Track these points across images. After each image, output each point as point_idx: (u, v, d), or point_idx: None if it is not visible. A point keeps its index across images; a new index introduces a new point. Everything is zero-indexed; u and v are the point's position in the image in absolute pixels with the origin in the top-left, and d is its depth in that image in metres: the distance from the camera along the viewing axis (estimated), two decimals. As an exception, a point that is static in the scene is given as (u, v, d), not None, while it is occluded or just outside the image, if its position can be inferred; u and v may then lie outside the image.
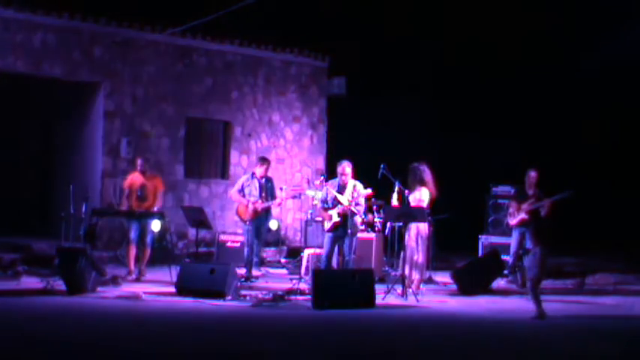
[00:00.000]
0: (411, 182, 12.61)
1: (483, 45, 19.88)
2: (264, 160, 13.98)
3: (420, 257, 12.33)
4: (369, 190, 12.45)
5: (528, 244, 12.92)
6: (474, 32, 19.95)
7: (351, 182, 12.27)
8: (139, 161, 13.80)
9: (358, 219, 12.37)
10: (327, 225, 12.20)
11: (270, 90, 18.28)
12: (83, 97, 16.48)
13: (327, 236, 12.28)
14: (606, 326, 10.46)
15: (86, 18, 15.82)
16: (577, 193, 12.95)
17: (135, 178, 13.64)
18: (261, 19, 17.62)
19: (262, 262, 14.28)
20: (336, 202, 12.17)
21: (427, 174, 12.56)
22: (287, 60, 18.54)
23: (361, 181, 12.46)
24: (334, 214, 12.14)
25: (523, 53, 19.78)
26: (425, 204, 12.40)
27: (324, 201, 12.38)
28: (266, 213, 13.81)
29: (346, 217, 12.06)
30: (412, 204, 12.44)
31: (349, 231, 12.05)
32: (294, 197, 15.23)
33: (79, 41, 15.80)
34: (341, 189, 12.26)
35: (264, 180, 13.73)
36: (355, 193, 12.19)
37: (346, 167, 12.24)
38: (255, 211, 13.56)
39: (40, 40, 15.39)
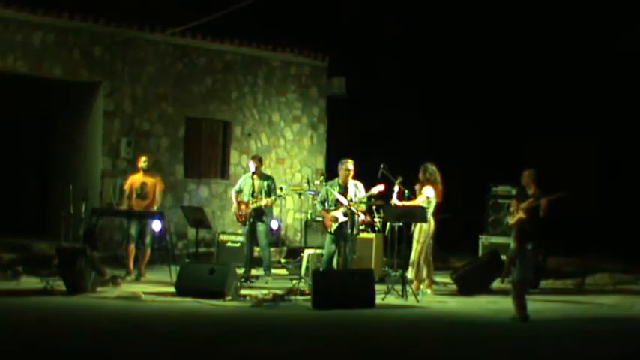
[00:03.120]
0: (423, 180, 12.60)
1: (485, 45, 19.87)
2: (252, 158, 13.93)
3: (413, 255, 12.37)
4: (381, 187, 12.25)
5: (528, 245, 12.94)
6: (474, 30, 19.94)
7: (352, 182, 12.27)
8: (142, 158, 13.77)
9: (357, 219, 12.34)
10: (334, 226, 12.16)
11: (269, 90, 18.29)
12: (83, 97, 16.48)
13: (329, 237, 12.24)
14: (605, 327, 10.46)
15: (86, 18, 15.82)
16: (573, 192, 12.98)
17: (135, 178, 13.65)
18: (261, 19, 17.61)
19: (269, 267, 13.96)
20: (339, 204, 12.14)
21: (438, 175, 12.63)
22: (287, 60, 18.54)
23: (361, 182, 12.45)
24: (340, 215, 12.12)
25: (524, 53, 19.77)
26: (434, 202, 12.43)
27: (323, 202, 12.38)
28: (261, 213, 13.72)
29: (351, 217, 12.06)
30: (419, 201, 12.43)
31: (354, 231, 12.10)
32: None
33: (79, 41, 15.80)
34: (341, 188, 12.25)
35: (259, 179, 13.67)
36: (357, 192, 12.18)
37: (349, 166, 12.24)
38: (246, 211, 13.49)
39: (40, 40, 15.39)
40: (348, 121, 19.14)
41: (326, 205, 12.32)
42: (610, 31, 18.35)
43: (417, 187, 12.65)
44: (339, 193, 12.19)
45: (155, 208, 13.51)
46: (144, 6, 16.82)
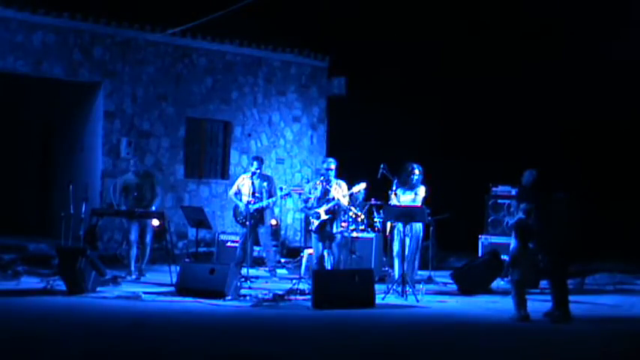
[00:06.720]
0: (415, 181, 12.61)
1: (483, 45, 19.87)
2: (255, 159, 13.87)
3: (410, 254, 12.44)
4: (363, 184, 12.32)
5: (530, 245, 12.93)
6: (474, 31, 19.95)
7: (334, 181, 12.28)
8: (131, 161, 13.90)
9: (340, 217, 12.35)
10: (315, 224, 12.18)
11: (270, 90, 18.30)
12: (83, 97, 16.49)
13: (314, 237, 12.28)
14: (605, 326, 10.45)
15: (86, 18, 15.84)
16: (571, 194, 12.97)
17: (129, 180, 13.65)
18: (261, 19, 17.62)
19: (275, 269, 14.01)
20: (323, 200, 12.17)
21: None
22: (287, 60, 18.56)
23: (360, 181, 12.45)
24: (322, 213, 12.13)
25: (523, 52, 19.77)
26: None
27: (306, 200, 12.39)
28: (261, 215, 13.67)
29: (333, 215, 12.08)
30: (416, 203, 12.45)
31: (341, 231, 12.13)
32: (285, 196, 14.88)
33: (79, 41, 15.82)
34: (325, 187, 12.26)
35: (259, 180, 13.62)
36: (340, 190, 12.20)
37: (330, 165, 12.26)
38: (246, 212, 13.43)
39: (40, 40, 15.40)
40: (348, 121, 19.14)
41: (308, 203, 12.35)
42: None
43: (398, 192, 12.60)
44: (323, 192, 12.18)
45: (154, 207, 13.49)
46: (144, 6, 16.83)
